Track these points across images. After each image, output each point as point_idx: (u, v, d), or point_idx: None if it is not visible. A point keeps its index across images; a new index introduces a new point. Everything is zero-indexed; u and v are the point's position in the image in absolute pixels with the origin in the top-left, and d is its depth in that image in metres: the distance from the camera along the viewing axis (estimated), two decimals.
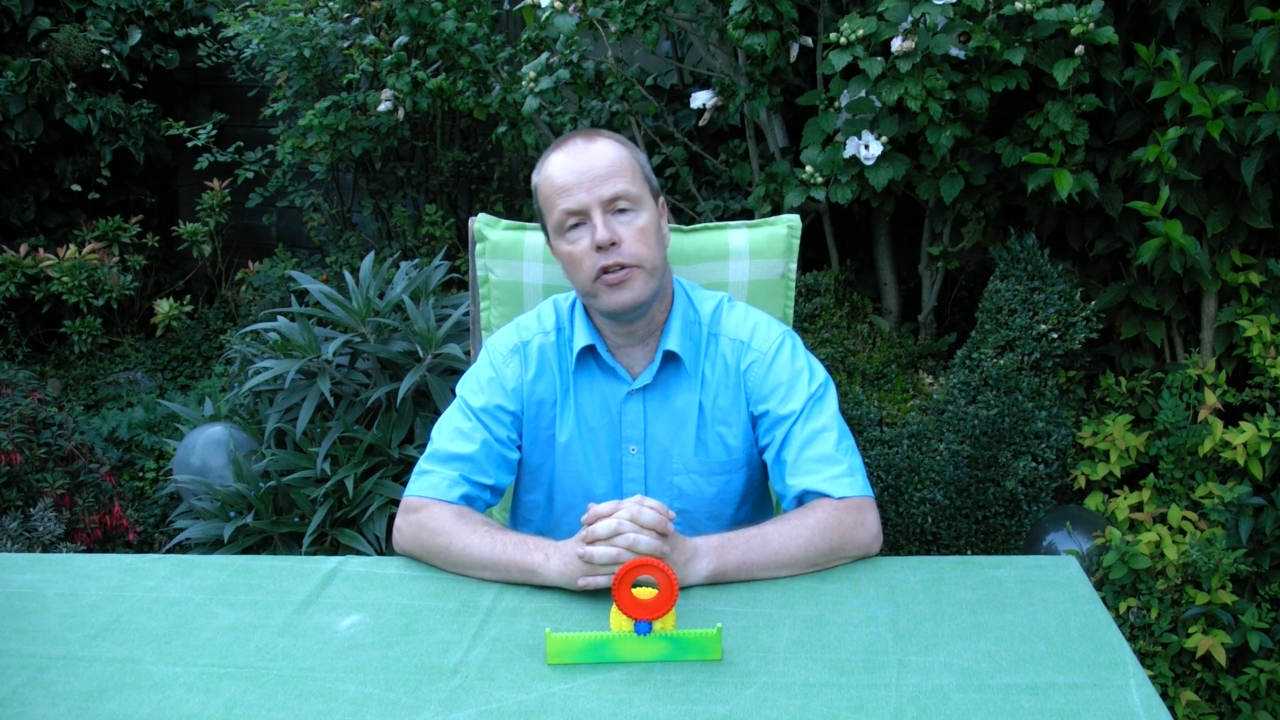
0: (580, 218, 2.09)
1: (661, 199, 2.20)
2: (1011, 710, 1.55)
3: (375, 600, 1.92)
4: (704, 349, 2.22)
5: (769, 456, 2.18)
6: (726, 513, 2.27)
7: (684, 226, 2.52)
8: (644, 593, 1.73)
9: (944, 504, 3.52)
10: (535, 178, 2.16)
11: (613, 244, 2.07)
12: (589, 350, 2.21)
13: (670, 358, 2.20)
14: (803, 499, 2.09)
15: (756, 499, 2.33)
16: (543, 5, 3.95)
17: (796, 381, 2.17)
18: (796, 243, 2.52)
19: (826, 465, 2.09)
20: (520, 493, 2.34)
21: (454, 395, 2.24)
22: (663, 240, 2.16)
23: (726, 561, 1.93)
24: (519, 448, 2.24)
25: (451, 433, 2.18)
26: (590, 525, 1.87)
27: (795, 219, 2.52)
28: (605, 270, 2.08)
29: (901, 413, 3.79)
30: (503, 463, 2.20)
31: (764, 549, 1.95)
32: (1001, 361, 3.60)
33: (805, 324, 4.01)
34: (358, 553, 3.58)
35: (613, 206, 2.08)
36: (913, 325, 4.25)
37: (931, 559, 2.04)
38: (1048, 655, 1.69)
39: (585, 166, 2.08)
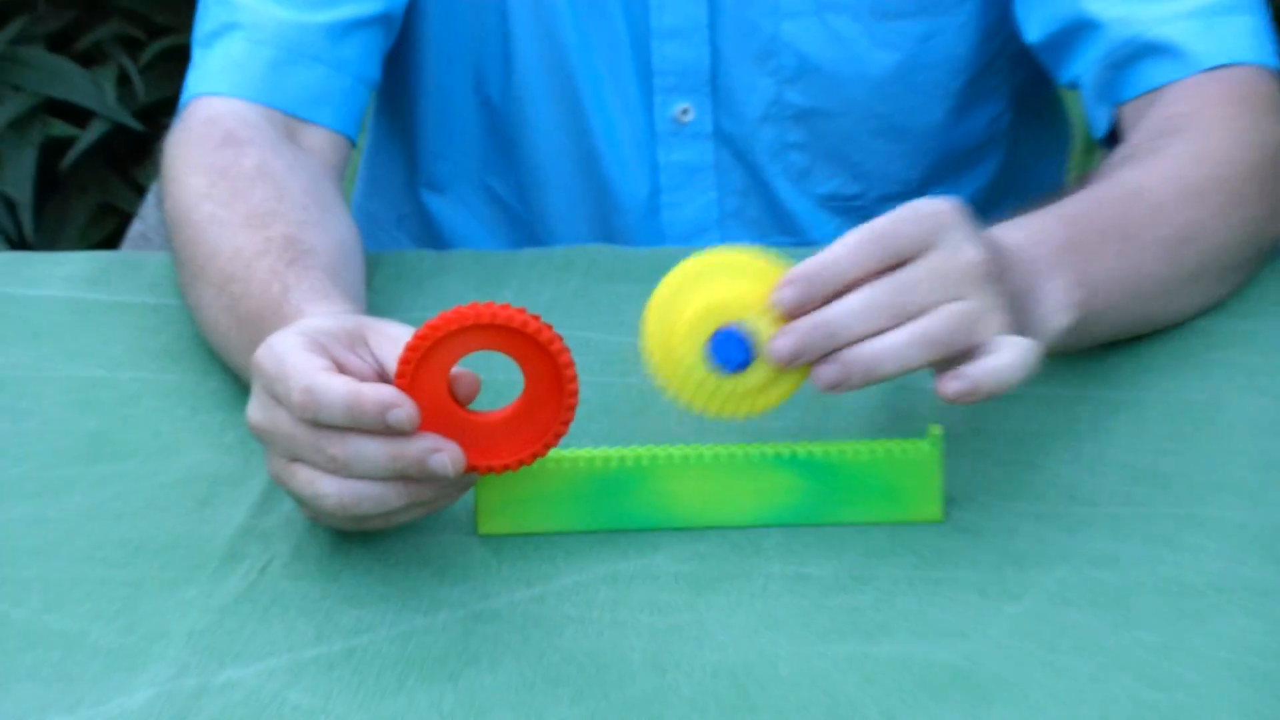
0: None
1: None
2: None
3: None
4: None
5: None
6: (925, 125, 0.95)
7: None
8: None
9: None
10: None
11: None
12: None
13: None
14: (1123, 89, 0.82)
15: (1004, 110, 0.99)
16: None
17: None
18: None
19: None
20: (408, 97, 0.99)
21: None
22: None
23: (1093, 275, 0.65)
24: None
25: None
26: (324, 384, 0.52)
27: None
28: None
29: None
30: None
31: (1140, 235, 0.69)
32: None
33: None
34: None
35: None
36: None
37: None
38: None
39: None
